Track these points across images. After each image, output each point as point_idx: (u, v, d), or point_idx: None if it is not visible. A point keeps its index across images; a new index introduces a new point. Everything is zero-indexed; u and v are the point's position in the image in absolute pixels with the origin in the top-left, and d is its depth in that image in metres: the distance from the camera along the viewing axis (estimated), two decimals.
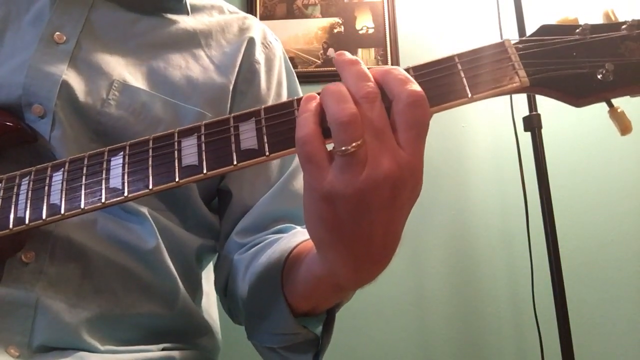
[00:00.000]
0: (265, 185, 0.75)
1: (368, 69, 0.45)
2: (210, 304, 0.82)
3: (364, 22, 1.75)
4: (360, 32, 1.74)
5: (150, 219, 0.67)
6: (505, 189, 1.59)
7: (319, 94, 0.46)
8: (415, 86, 0.43)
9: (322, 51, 1.73)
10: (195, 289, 0.76)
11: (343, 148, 0.41)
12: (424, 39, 1.73)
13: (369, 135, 0.42)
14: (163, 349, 0.68)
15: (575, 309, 1.29)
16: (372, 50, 1.72)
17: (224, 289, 0.76)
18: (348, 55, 0.46)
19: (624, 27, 0.47)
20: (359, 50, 1.72)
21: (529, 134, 1.36)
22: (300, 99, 0.47)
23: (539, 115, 1.34)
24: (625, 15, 0.49)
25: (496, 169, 1.63)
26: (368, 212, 0.43)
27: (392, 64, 1.70)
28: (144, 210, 0.67)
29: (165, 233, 0.68)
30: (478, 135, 1.65)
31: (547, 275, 1.28)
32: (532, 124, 1.34)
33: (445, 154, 1.64)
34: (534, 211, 1.38)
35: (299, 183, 0.74)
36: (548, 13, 1.63)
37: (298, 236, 0.64)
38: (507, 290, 1.56)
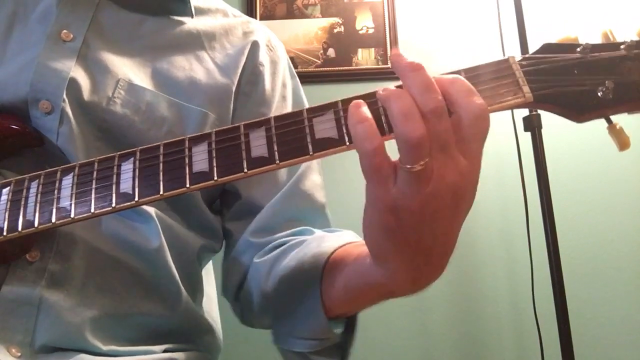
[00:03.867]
0: (274, 186, 0.75)
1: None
2: (211, 304, 0.82)
3: (364, 22, 1.75)
4: (360, 32, 1.74)
5: (156, 218, 0.67)
6: (505, 189, 1.59)
7: (364, 97, 0.45)
8: (480, 99, 0.43)
9: (322, 51, 1.73)
10: (197, 289, 0.76)
11: (409, 166, 0.41)
12: (424, 39, 1.73)
13: (435, 150, 0.41)
14: (165, 350, 0.68)
15: (575, 308, 1.29)
16: (372, 50, 1.72)
17: (236, 293, 0.75)
18: (408, 57, 0.45)
19: (622, 47, 0.49)
20: (359, 50, 1.72)
21: (529, 134, 1.36)
22: (311, 108, 0.47)
23: (539, 115, 1.35)
24: (622, 35, 0.51)
25: (496, 169, 1.63)
26: (431, 222, 0.43)
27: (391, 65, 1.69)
28: (151, 211, 0.67)
29: (169, 232, 0.69)
30: None
31: (547, 275, 1.28)
32: (532, 124, 1.34)
33: None
34: (534, 211, 1.38)
35: (308, 184, 0.75)
36: (547, 12, 1.63)
37: (327, 240, 0.64)
38: (507, 290, 1.56)
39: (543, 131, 1.34)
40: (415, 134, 0.40)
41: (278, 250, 0.69)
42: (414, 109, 0.42)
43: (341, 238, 0.64)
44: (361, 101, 0.45)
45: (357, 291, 0.56)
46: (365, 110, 0.43)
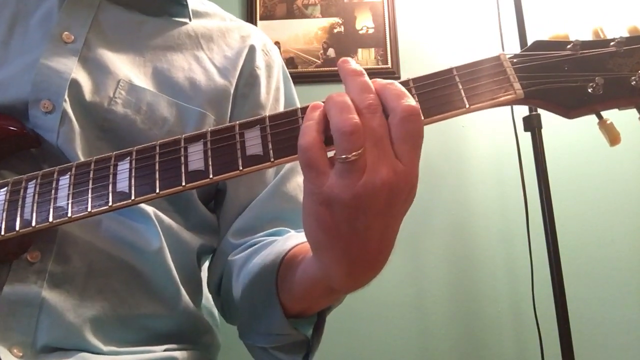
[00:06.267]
0: (261, 187, 0.76)
1: (370, 79, 0.47)
2: (210, 303, 0.83)
3: (364, 22, 1.75)
4: (360, 32, 1.74)
5: (155, 219, 0.67)
6: (505, 189, 1.60)
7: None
8: (410, 101, 0.45)
9: (322, 51, 1.73)
10: (196, 288, 0.76)
11: (344, 156, 0.43)
12: (424, 39, 1.73)
13: (369, 144, 0.43)
14: (165, 350, 0.68)
15: (575, 308, 1.29)
16: (372, 50, 1.72)
17: (217, 288, 0.77)
18: (352, 63, 0.48)
19: (612, 43, 0.50)
20: (359, 50, 1.72)
21: (529, 134, 1.36)
22: (304, 108, 0.49)
23: (539, 115, 1.35)
24: (613, 32, 0.51)
25: (496, 169, 1.63)
26: (364, 217, 0.44)
27: (392, 64, 1.70)
28: (150, 211, 0.67)
29: (169, 233, 0.69)
30: (478, 135, 1.65)
31: (547, 275, 1.28)
32: (532, 124, 1.34)
33: (445, 154, 1.64)
34: (534, 211, 1.38)
35: (291, 185, 0.76)
36: (547, 12, 1.63)
37: (292, 239, 0.66)
38: (507, 290, 1.56)
39: (543, 131, 1.34)
40: (348, 122, 0.43)
41: (250, 250, 0.71)
42: (349, 104, 0.45)
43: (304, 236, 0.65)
44: (319, 103, 0.47)
45: (304, 287, 0.58)
46: (314, 114, 0.46)
